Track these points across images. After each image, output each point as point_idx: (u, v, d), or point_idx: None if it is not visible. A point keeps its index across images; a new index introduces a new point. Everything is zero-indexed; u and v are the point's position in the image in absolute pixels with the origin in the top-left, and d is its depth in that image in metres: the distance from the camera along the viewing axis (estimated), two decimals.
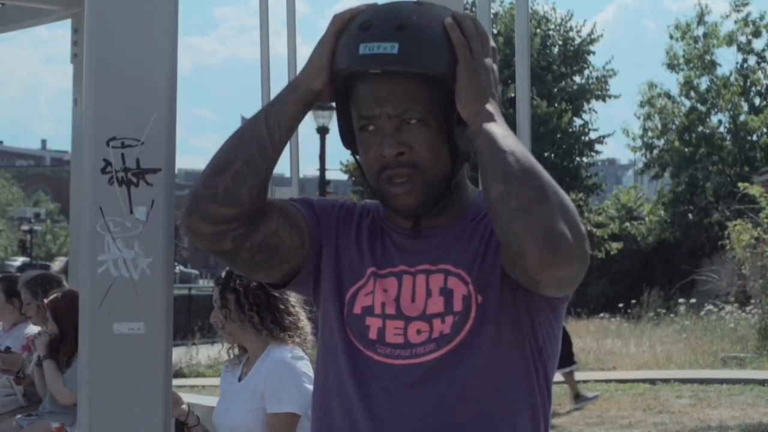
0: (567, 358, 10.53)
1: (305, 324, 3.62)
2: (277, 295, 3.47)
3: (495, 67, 1.82)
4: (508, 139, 1.74)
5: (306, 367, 3.54)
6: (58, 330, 5.24)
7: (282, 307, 3.54)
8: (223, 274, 3.53)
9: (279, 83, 4.16)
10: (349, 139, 1.89)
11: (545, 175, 1.72)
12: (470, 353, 1.80)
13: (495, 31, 26.43)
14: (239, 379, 3.61)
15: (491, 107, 1.78)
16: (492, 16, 27.85)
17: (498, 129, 1.75)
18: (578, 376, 12.40)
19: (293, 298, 3.60)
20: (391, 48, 1.72)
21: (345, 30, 1.81)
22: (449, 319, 1.81)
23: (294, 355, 3.52)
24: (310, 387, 3.52)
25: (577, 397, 10.58)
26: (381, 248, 1.90)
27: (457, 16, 1.81)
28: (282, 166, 4.57)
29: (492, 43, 1.83)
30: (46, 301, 5.38)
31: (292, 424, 3.47)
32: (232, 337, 3.62)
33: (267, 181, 1.87)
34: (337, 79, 1.85)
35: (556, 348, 1.93)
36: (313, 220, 1.93)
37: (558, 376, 10.77)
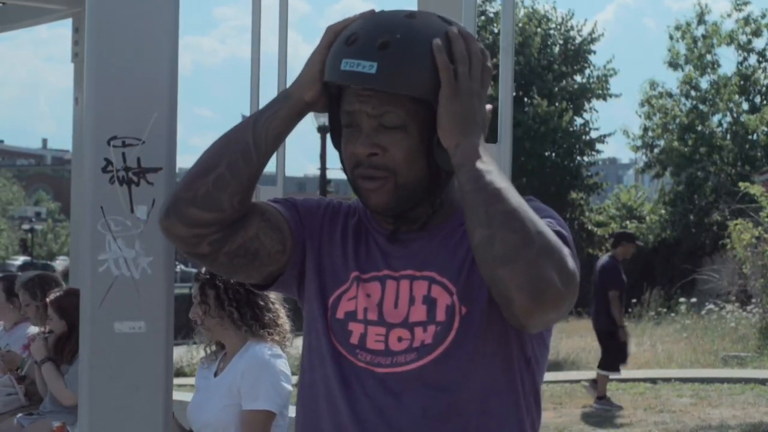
0: (616, 364, 10.50)
1: (284, 321, 3.61)
2: (256, 291, 3.46)
3: (483, 92, 1.76)
4: (491, 176, 1.68)
5: (284, 365, 3.52)
6: (66, 326, 5.23)
7: (262, 303, 3.54)
8: (203, 270, 3.51)
9: (274, 82, 4.18)
10: (339, 142, 1.86)
11: (529, 214, 1.67)
12: (452, 365, 1.77)
13: (495, 30, 26.42)
14: (215, 375, 3.59)
15: (474, 138, 1.72)
16: (493, 15, 27.69)
17: (480, 165, 1.69)
18: (579, 375, 12.41)
19: (273, 295, 3.59)
20: (369, 68, 1.69)
21: (336, 40, 1.79)
22: (431, 328, 1.78)
23: (273, 353, 3.51)
24: (288, 386, 3.51)
25: (602, 398, 10.54)
26: (365, 251, 1.87)
27: (449, 35, 1.75)
28: (269, 164, 4.57)
29: (488, 63, 1.76)
30: (48, 300, 5.37)
31: (268, 422, 3.46)
32: (210, 333, 3.61)
33: (250, 189, 1.83)
34: (330, 85, 1.83)
35: (545, 355, 1.90)
36: (295, 222, 1.90)
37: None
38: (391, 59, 1.69)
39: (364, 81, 1.71)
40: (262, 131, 1.83)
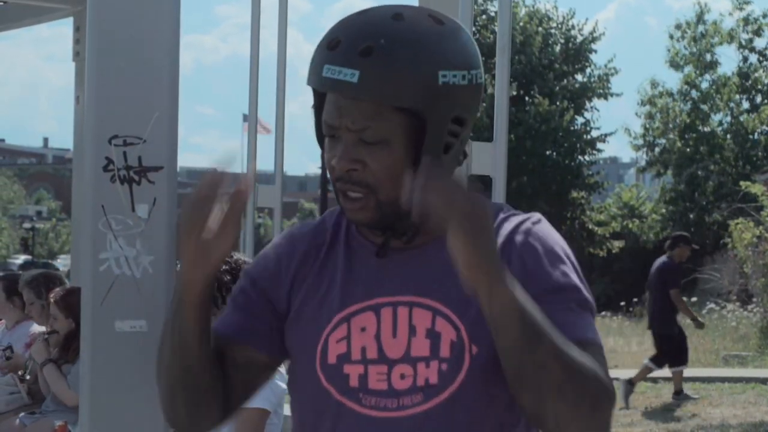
0: (682, 357, 10.60)
1: None
2: None
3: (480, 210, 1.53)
4: (540, 339, 1.52)
5: None
6: (74, 324, 5.20)
7: None
8: None
9: (274, 79, 4.18)
10: (322, 139, 1.74)
11: (581, 372, 1.54)
12: (462, 406, 1.65)
13: (497, 30, 26.40)
14: None
15: (506, 279, 1.51)
16: (494, 14, 27.69)
17: (526, 323, 1.51)
18: None
19: None
20: (351, 76, 1.59)
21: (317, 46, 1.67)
22: (434, 364, 1.65)
23: None
24: (282, 384, 3.50)
25: (678, 394, 10.63)
26: (349, 279, 1.71)
27: (421, 185, 1.50)
28: (267, 163, 4.57)
29: (479, 187, 1.57)
30: (52, 299, 5.35)
31: (262, 420, 3.46)
32: None
33: (220, 389, 1.71)
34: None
35: None
36: (259, 313, 1.74)
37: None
38: (374, 67, 1.59)
39: (345, 89, 1.60)
40: (186, 350, 1.67)
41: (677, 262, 10.65)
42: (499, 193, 3.44)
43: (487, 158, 3.47)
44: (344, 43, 1.61)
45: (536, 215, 1.73)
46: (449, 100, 1.62)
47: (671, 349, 10.52)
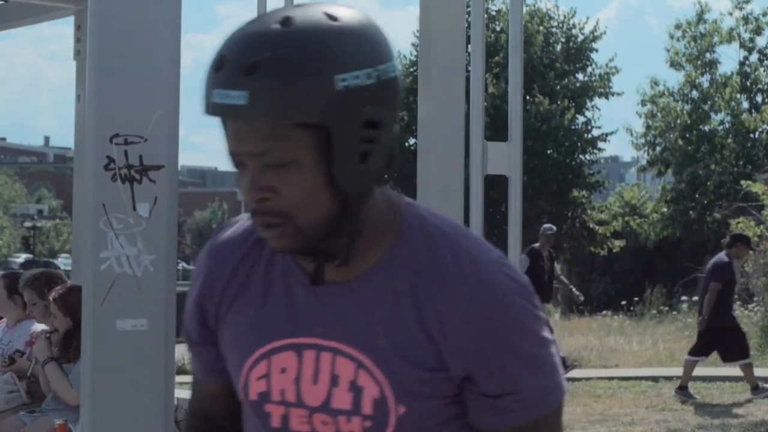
0: (744, 351, 10.85)
1: None
2: None
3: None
4: None
5: None
6: (72, 323, 5.21)
7: None
8: None
9: None
10: None
11: None
12: None
13: (498, 29, 26.42)
14: None
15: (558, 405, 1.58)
16: (495, 13, 27.56)
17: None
18: (580, 373, 12.40)
19: None
20: (239, 98, 1.43)
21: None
22: (356, 420, 1.56)
23: None
24: None
25: (756, 389, 10.78)
26: (274, 309, 1.61)
27: None
28: None
29: None
30: (51, 297, 5.36)
31: None
32: None
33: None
34: None
35: None
36: (210, 343, 1.72)
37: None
38: (261, 84, 1.43)
39: (236, 114, 1.45)
40: None
41: (732, 260, 10.90)
42: (515, 193, 3.44)
43: (503, 158, 3.47)
44: (230, 61, 1.46)
45: (483, 253, 1.56)
46: (354, 105, 1.45)
47: (729, 344, 10.67)
